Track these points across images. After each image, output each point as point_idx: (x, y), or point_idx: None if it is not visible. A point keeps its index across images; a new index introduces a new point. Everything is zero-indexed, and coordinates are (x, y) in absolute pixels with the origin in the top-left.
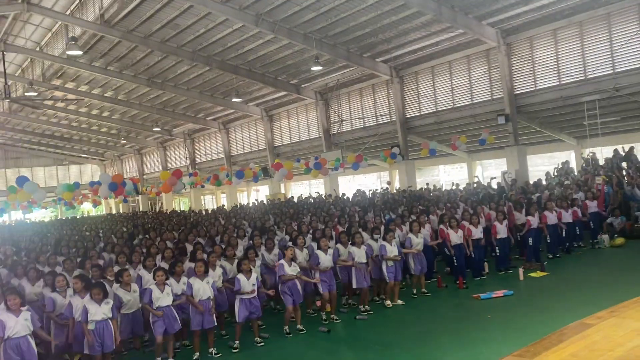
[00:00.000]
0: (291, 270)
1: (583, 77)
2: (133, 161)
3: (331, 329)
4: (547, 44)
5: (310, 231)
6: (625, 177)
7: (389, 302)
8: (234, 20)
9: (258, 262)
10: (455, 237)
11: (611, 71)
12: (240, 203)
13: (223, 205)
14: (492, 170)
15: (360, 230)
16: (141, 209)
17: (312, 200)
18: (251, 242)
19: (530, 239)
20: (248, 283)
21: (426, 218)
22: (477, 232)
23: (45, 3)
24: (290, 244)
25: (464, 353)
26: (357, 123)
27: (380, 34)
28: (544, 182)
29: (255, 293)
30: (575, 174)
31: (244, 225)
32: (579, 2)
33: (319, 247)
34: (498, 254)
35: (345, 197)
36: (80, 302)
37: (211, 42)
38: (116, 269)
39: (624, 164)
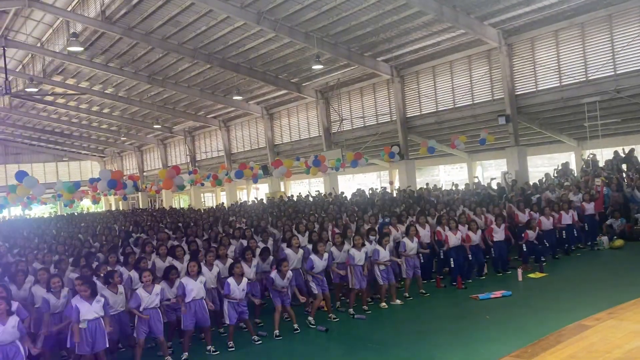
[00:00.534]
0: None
1: (584, 79)
2: (133, 158)
3: (329, 327)
4: (549, 45)
5: (307, 232)
6: (625, 179)
7: (383, 304)
8: (235, 18)
9: (254, 262)
10: (454, 238)
11: (612, 73)
12: (239, 199)
13: (222, 203)
14: (492, 171)
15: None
16: (141, 207)
17: (312, 199)
18: (248, 243)
19: (524, 245)
20: (238, 288)
21: (425, 219)
22: (476, 238)
23: None
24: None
25: (462, 353)
26: (357, 122)
27: (381, 34)
28: (544, 183)
29: (243, 297)
30: (575, 175)
31: (242, 223)
32: (580, 4)
33: (315, 251)
34: (494, 255)
35: (344, 196)
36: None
37: (212, 39)
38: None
39: (624, 166)
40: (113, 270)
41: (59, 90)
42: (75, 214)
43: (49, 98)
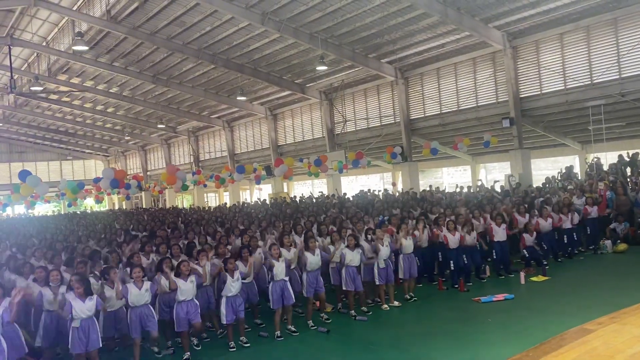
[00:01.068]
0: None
1: (589, 82)
2: (137, 158)
3: (331, 329)
4: (554, 47)
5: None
6: (629, 183)
7: (385, 305)
8: (240, 19)
9: (251, 260)
10: (453, 239)
11: (617, 76)
12: (244, 200)
13: (225, 203)
14: (495, 174)
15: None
16: (144, 206)
17: (314, 201)
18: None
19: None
20: (232, 283)
21: (424, 223)
22: (470, 239)
23: None
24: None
25: (463, 355)
26: (361, 123)
27: (386, 35)
28: (547, 187)
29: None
30: (579, 178)
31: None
32: (586, 7)
33: (306, 248)
34: (495, 257)
35: (346, 198)
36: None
37: (217, 40)
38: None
39: (629, 170)
40: (110, 267)
41: (63, 89)
42: (78, 212)
43: (54, 97)
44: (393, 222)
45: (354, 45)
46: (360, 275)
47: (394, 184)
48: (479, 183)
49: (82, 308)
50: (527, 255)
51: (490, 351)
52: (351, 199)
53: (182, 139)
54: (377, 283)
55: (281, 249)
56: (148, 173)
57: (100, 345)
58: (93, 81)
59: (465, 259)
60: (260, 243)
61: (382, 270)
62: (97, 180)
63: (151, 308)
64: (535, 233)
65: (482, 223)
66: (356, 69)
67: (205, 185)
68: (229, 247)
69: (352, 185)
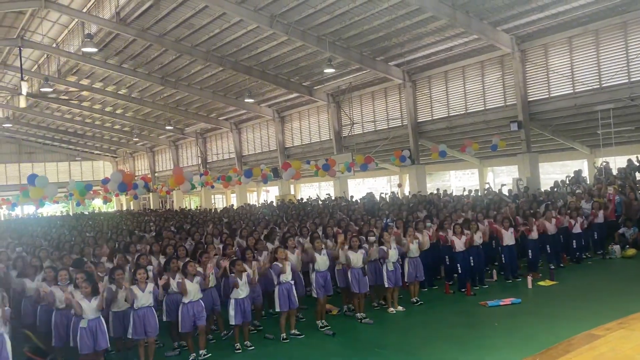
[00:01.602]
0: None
1: (598, 86)
2: (145, 159)
3: (337, 332)
4: (562, 51)
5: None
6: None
7: (391, 309)
8: (249, 21)
9: (254, 263)
10: (460, 243)
11: (626, 80)
12: (248, 203)
13: (232, 205)
14: (503, 177)
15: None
16: (152, 207)
17: (320, 203)
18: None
19: (530, 250)
20: (241, 284)
21: (429, 224)
22: (477, 238)
23: (63, 0)
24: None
25: (469, 359)
26: (368, 126)
27: (394, 38)
28: (556, 191)
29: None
30: (588, 183)
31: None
32: (595, 10)
33: (313, 248)
34: (503, 261)
35: (354, 200)
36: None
37: (225, 42)
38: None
39: (638, 174)
40: (116, 268)
41: (73, 90)
42: (86, 213)
43: (64, 97)
44: (398, 225)
45: (361, 48)
46: (367, 277)
47: (399, 185)
48: (487, 186)
49: (89, 308)
50: (531, 257)
51: (496, 356)
52: (359, 201)
53: (190, 141)
54: (387, 286)
55: (286, 251)
56: (156, 174)
57: (108, 346)
58: (102, 83)
59: (472, 261)
60: (269, 245)
61: (392, 273)
62: (105, 181)
63: (153, 310)
64: (537, 233)
65: (486, 226)
66: (364, 71)
67: (212, 187)
68: (236, 248)
69: (359, 187)
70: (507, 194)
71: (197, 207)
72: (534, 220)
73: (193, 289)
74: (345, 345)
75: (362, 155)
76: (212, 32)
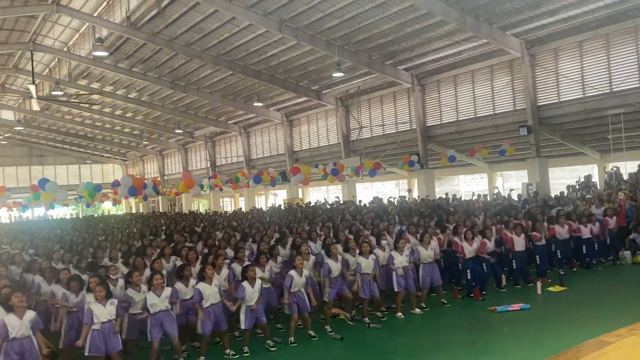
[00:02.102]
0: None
1: (608, 90)
2: (154, 162)
3: (344, 336)
4: (572, 55)
5: (321, 238)
6: None
7: (399, 313)
8: (258, 26)
9: (268, 267)
10: (470, 249)
11: (638, 85)
12: (253, 207)
13: (240, 208)
14: (512, 182)
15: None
16: (161, 209)
17: (328, 207)
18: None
19: (537, 256)
20: (253, 291)
21: (438, 230)
22: (491, 245)
23: (74, 4)
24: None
25: None
26: (376, 130)
27: (402, 42)
28: (566, 196)
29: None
30: (598, 188)
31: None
32: (606, 15)
33: (327, 254)
34: (515, 267)
35: (362, 204)
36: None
37: (235, 46)
38: (123, 269)
39: None
40: (133, 270)
41: (83, 94)
42: (96, 215)
43: (75, 101)
44: (411, 231)
45: (370, 52)
46: (377, 282)
47: (409, 191)
48: (496, 191)
49: (103, 312)
50: (540, 261)
51: None
52: (367, 205)
53: (199, 144)
54: (396, 290)
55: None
56: (165, 177)
57: (121, 348)
58: (112, 86)
59: (485, 267)
60: (281, 250)
61: (401, 277)
62: (115, 184)
63: (171, 313)
64: (543, 237)
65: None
66: (372, 75)
67: (221, 190)
68: (247, 252)
69: (368, 191)
70: (516, 199)
71: (206, 210)
72: (545, 225)
73: (213, 292)
74: (352, 349)
75: (370, 160)
76: (222, 36)
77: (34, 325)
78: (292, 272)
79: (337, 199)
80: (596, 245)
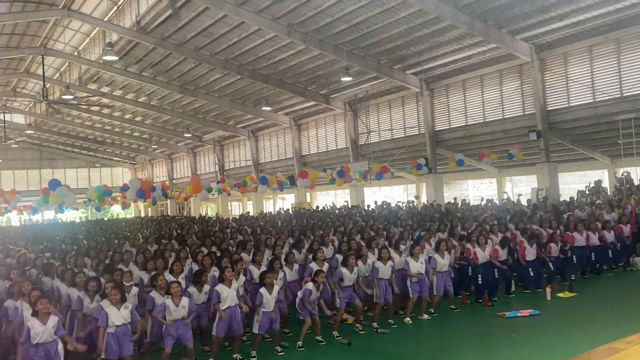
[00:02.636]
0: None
1: (619, 95)
2: (163, 166)
3: (352, 340)
4: (582, 60)
5: (335, 243)
6: None
7: (408, 319)
8: (267, 30)
9: (281, 274)
10: (482, 255)
11: None
12: (262, 211)
13: (248, 212)
14: (522, 187)
15: (386, 244)
16: (169, 213)
17: (337, 212)
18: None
19: (551, 263)
20: (271, 298)
21: (453, 241)
22: (504, 254)
23: (85, 9)
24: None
25: None
26: (385, 134)
27: (411, 47)
28: (575, 201)
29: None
30: (608, 193)
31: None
32: (616, 19)
33: (345, 264)
34: (532, 275)
35: (371, 209)
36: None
37: (243, 51)
38: (143, 274)
39: None
40: (157, 274)
41: (93, 98)
42: (105, 219)
43: (85, 105)
44: (426, 238)
45: (379, 56)
46: (392, 285)
47: (417, 197)
48: (505, 196)
49: (117, 315)
50: (553, 268)
51: None
52: (375, 210)
53: (208, 148)
54: (411, 296)
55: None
56: (174, 181)
57: (132, 352)
58: (122, 90)
59: (496, 273)
60: (297, 254)
61: (416, 284)
62: (124, 189)
63: (188, 324)
64: (560, 244)
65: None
66: (381, 80)
67: (229, 194)
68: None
69: (376, 196)
70: (525, 204)
71: (216, 214)
72: (559, 232)
73: (232, 295)
74: (360, 354)
75: (378, 164)
76: (231, 40)
77: (57, 331)
78: (310, 285)
79: (345, 203)
80: (606, 252)
